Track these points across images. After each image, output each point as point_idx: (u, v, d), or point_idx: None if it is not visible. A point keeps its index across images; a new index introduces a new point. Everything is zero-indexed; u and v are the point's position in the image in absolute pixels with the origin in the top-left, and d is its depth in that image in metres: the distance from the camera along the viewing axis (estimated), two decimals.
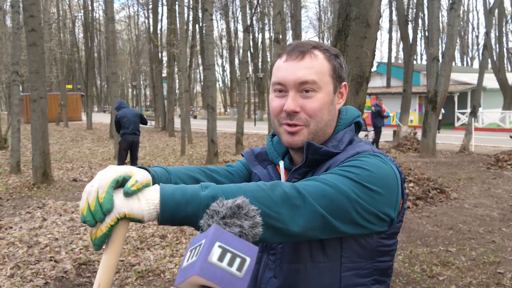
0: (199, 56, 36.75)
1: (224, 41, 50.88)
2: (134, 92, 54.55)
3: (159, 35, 27.43)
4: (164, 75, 25.94)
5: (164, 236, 5.35)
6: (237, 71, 39.20)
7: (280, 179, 1.15)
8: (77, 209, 6.60)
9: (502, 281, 4.05)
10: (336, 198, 0.92)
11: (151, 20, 27.65)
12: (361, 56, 4.07)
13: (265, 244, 1.10)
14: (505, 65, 27.95)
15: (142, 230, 5.56)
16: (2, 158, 12.93)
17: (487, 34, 17.51)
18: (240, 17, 38.66)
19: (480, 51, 33.73)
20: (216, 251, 0.69)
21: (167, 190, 0.86)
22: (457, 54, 44.06)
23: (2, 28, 18.44)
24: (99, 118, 37.76)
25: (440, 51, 15.06)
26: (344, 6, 4.17)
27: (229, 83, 48.85)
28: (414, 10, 20.94)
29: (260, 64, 39.38)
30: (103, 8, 27.59)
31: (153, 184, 0.94)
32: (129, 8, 59.15)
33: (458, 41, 32.83)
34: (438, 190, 7.49)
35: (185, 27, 22.66)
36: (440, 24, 26.76)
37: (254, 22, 35.20)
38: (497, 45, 25.87)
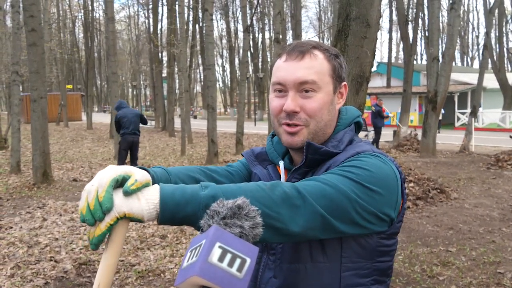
0: (199, 56, 36.77)
1: (224, 41, 50.92)
2: (134, 92, 54.57)
3: (159, 35, 27.44)
4: (164, 75, 25.94)
5: (164, 236, 5.35)
6: (237, 71, 39.22)
7: (280, 179, 1.15)
8: (77, 209, 6.60)
9: (502, 281, 4.05)
10: (336, 198, 0.92)
11: (151, 20, 27.66)
12: (361, 56, 4.07)
13: (265, 244, 1.10)
14: (505, 65, 27.94)
15: (142, 230, 5.56)
16: (2, 158, 12.93)
17: (487, 34, 17.51)
18: (240, 17, 38.68)
19: (480, 51, 33.73)
20: (216, 252, 0.69)
21: (167, 189, 0.86)
22: (457, 54, 44.07)
23: (2, 28, 18.44)
24: (99, 118, 37.76)
25: (440, 51, 15.08)
26: (344, 6, 4.17)
27: (229, 83, 48.87)
28: (414, 10, 20.93)
29: (260, 64, 39.39)
30: (103, 8, 27.63)
31: (152, 184, 0.94)
32: (129, 8, 59.18)
33: (458, 41, 32.83)
34: (438, 190, 7.49)
35: (185, 27, 22.66)
36: (440, 24, 26.77)
37: (254, 22, 35.22)
38: (497, 45, 25.86)
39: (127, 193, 0.83)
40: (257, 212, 0.78)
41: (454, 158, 12.64)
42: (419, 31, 24.34)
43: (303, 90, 1.06)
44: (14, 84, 11.33)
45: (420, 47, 44.11)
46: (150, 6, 29.31)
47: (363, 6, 4.04)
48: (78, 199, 7.45)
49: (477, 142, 14.81)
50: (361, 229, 0.97)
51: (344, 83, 1.15)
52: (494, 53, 25.00)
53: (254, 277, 1.12)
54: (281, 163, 1.16)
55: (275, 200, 0.88)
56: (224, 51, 53.52)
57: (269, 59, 36.78)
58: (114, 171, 0.86)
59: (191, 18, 29.16)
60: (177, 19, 17.82)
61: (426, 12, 23.98)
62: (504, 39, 30.82)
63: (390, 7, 27.87)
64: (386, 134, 17.41)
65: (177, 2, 18.58)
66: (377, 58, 69.02)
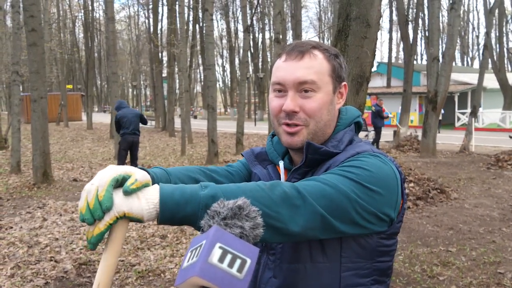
0: (199, 56, 36.77)
1: (224, 41, 50.91)
2: (135, 92, 54.58)
3: (159, 35, 27.44)
4: (164, 75, 25.95)
5: (164, 236, 5.35)
6: (237, 71, 39.23)
7: (280, 179, 1.15)
8: (77, 209, 6.60)
9: (502, 281, 4.05)
10: (336, 198, 0.92)
11: (151, 20, 27.66)
12: (361, 56, 4.07)
13: (265, 244, 1.10)
14: (506, 65, 27.92)
15: (143, 230, 5.56)
16: (3, 158, 12.93)
17: (488, 34, 17.50)
18: (240, 17, 38.69)
19: (481, 51, 33.75)
20: (216, 252, 0.69)
21: (167, 189, 0.86)
22: (457, 54, 44.06)
23: (2, 28, 18.43)
24: (99, 118, 37.76)
25: (440, 51, 15.07)
26: (344, 6, 4.17)
27: (229, 83, 48.87)
28: (415, 10, 20.92)
29: (260, 64, 39.39)
30: (103, 8, 27.61)
31: (152, 185, 0.94)
32: (129, 8, 59.21)
33: (458, 41, 32.82)
34: (439, 190, 7.49)
35: (185, 27, 22.67)
36: (441, 24, 26.78)
37: (255, 22, 35.22)
38: (498, 45, 25.84)
39: (127, 193, 0.83)
40: (258, 212, 0.78)
41: (454, 158, 12.64)
42: (419, 31, 24.34)
43: (302, 90, 1.06)
44: (14, 84, 11.33)
45: (420, 47, 44.15)
46: (150, 6, 29.32)
47: (363, 6, 4.04)
48: (78, 199, 7.45)
49: (477, 142, 14.81)
50: (361, 229, 0.97)
51: (344, 83, 1.14)
52: (494, 53, 24.98)
53: (253, 277, 1.12)
54: (281, 163, 1.16)
55: (274, 200, 0.88)
56: (224, 51, 53.55)
57: (269, 59, 36.80)
58: (115, 170, 0.86)
59: (191, 18, 29.17)
60: (177, 19, 17.82)
61: (426, 12, 23.97)
62: (504, 39, 30.83)
63: (390, 7, 27.86)
64: (386, 134, 17.41)
65: (177, 2, 18.58)
66: (377, 58, 69.05)
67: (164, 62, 27.81)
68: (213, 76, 12.63)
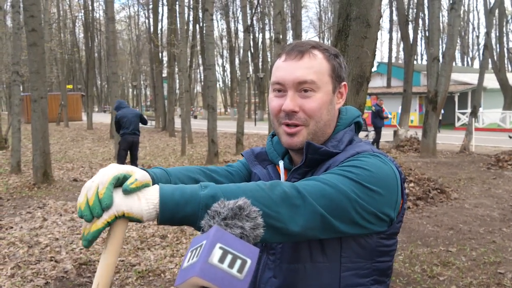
0: (200, 56, 36.78)
1: (224, 41, 50.91)
2: (135, 92, 54.58)
3: (159, 35, 27.43)
4: (164, 75, 25.95)
5: (164, 236, 5.35)
6: (238, 71, 39.24)
7: (280, 179, 1.15)
8: (77, 209, 6.60)
9: (502, 281, 4.05)
10: (336, 198, 0.92)
11: (151, 20, 27.66)
12: (361, 56, 4.06)
13: (265, 244, 1.10)
14: (506, 65, 27.91)
15: (143, 230, 5.56)
16: (3, 158, 12.93)
17: (488, 34, 17.50)
18: (240, 17, 38.70)
19: (481, 51, 33.75)
20: (217, 253, 0.69)
21: (167, 190, 0.86)
22: (457, 54, 44.04)
23: (2, 28, 18.42)
24: (100, 118, 37.76)
25: (440, 51, 15.08)
26: (344, 6, 4.17)
27: (229, 83, 48.86)
28: (415, 10, 20.92)
29: (260, 64, 39.39)
30: (104, 8, 27.64)
31: (152, 185, 0.94)
32: (129, 8, 59.21)
33: (458, 41, 32.80)
34: (439, 190, 7.49)
35: (186, 27, 22.67)
36: (441, 24, 26.75)
37: (255, 22, 35.22)
38: (498, 45, 25.82)
39: (127, 192, 0.83)
40: (258, 213, 0.78)
41: (454, 158, 12.64)
42: (419, 31, 24.33)
43: (302, 90, 1.06)
44: (14, 84, 11.33)
45: (421, 47, 44.15)
46: (150, 6, 29.32)
47: (364, 6, 4.04)
48: None
49: (477, 142, 14.80)
50: (361, 229, 0.97)
51: (344, 83, 1.14)
52: (495, 53, 24.95)
53: (253, 277, 1.12)
54: (281, 163, 1.16)
55: (274, 199, 0.88)
56: (225, 51, 53.55)
57: (269, 59, 36.80)
58: (116, 169, 0.86)
59: (191, 18, 29.17)
60: (177, 19, 17.83)
61: (426, 12, 23.96)
62: (505, 39, 30.82)
63: (390, 7, 27.86)
64: (386, 134, 17.41)
65: (177, 2, 18.57)
66: (378, 58, 69.04)
67: (164, 62, 27.82)
68: (213, 76, 12.63)
